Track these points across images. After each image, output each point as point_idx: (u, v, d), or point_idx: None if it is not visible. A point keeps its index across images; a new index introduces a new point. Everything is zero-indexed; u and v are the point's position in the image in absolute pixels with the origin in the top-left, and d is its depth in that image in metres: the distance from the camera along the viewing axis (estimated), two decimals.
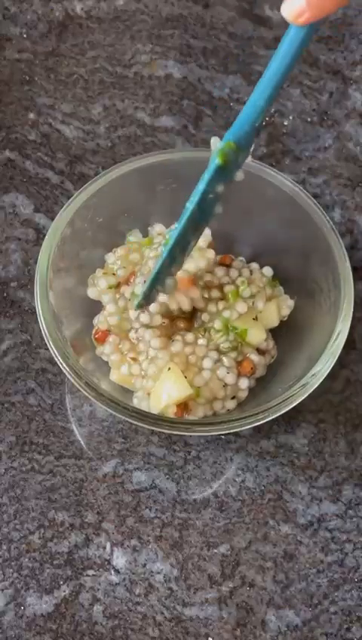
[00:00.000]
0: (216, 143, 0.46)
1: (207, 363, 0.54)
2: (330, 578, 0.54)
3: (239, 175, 0.48)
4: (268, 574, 0.54)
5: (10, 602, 0.53)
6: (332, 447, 0.58)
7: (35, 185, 0.65)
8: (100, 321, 0.57)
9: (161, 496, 0.56)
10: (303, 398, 0.52)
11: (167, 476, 0.56)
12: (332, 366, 0.52)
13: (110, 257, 0.58)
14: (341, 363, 0.59)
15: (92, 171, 0.66)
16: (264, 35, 0.71)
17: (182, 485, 0.56)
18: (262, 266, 0.59)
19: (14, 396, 0.58)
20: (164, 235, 0.58)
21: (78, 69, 0.70)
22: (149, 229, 0.60)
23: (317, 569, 0.54)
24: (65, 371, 0.52)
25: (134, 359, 0.55)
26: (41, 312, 0.53)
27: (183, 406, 0.53)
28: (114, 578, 0.54)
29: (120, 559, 0.54)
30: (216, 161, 0.46)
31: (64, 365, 0.52)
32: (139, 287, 0.54)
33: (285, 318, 0.58)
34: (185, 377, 0.53)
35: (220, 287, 0.57)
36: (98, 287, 0.57)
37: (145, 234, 0.60)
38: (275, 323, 0.57)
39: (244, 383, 0.55)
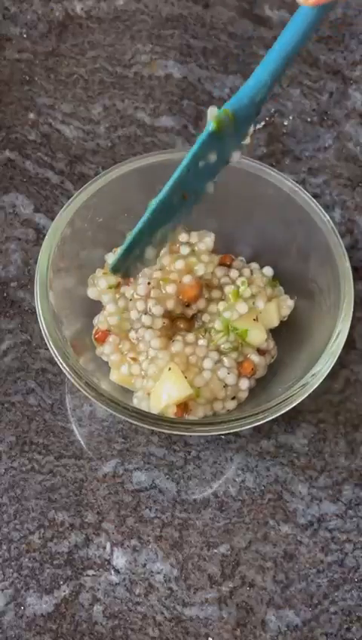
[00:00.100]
0: (213, 111, 0.46)
1: (208, 363, 0.54)
2: (330, 578, 0.54)
3: (236, 156, 0.48)
4: (268, 574, 0.54)
5: (10, 602, 0.53)
6: (332, 447, 0.58)
7: (35, 185, 0.65)
8: (100, 321, 0.57)
9: (161, 496, 0.56)
10: (303, 398, 0.52)
11: (167, 476, 0.56)
12: (332, 366, 0.52)
13: (110, 257, 0.58)
14: (341, 363, 0.59)
15: (92, 171, 0.66)
16: (264, 35, 0.71)
17: (182, 485, 0.56)
18: (262, 266, 0.59)
19: (14, 396, 0.58)
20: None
21: (78, 69, 0.70)
22: None
23: (317, 569, 0.54)
24: (65, 371, 0.52)
25: (134, 359, 0.55)
26: (41, 312, 0.53)
27: (183, 406, 0.53)
28: (114, 578, 0.54)
29: (120, 559, 0.54)
30: (210, 125, 0.45)
31: (64, 365, 0.52)
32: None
33: (285, 318, 0.58)
34: (186, 378, 0.53)
35: (220, 287, 0.57)
36: (98, 287, 0.57)
37: None
38: (275, 323, 0.57)
39: (245, 384, 0.55)
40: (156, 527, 0.55)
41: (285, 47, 0.44)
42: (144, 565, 0.54)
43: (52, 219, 0.59)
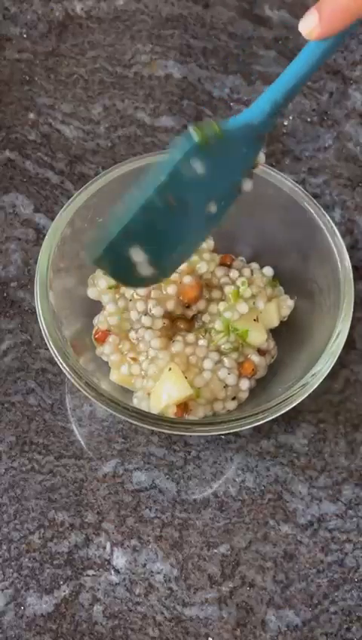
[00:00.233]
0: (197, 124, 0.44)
1: (208, 364, 0.54)
2: (330, 578, 0.54)
3: (247, 185, 0.47)
4: (268, 574, 0.54)
5: (10, 602, 0.53)
6: (332, 447, 0.58)
7: (35, 185, 0.65)
8: (100, 321, 0.57)
9: (161, 496, 0.56)
10: (303, 398, 0.52)
11: (167, 476, 0.56)
12: (332, 366, 0.52)
13: None
14: (341, 363, 0.59)
15: (92, 171, 0.66)
16: (264, 35, 0.71)
17: (182, 485, 0.56)
18: (262, 266, 0.59)
19: (14, 396, 0.58)
20: None
21: (78, 69, 0.70)
22: None
23: (317, 569, 0.54)
24: (65, 371, 0.52)
25: (134, 359, 0.55)
26: (41, 312, 0.53)
27: (183, 406, 0.53)
28: (114, 578, 0.54)
29: (120, 559, 0.54)
30: (190, 131, 0.43)
31: (64, 365, 0.52)
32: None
33: (285, 319, 0.58)
34: (186, 378, 0.53)
35: (220, 287, 0.57)
36: (98, 287, 0.57)
37: None
38: (275, 323, 0.57)
39: (245, 384, 0.55)
40: (156, 527, 0.55)
41: (290, 78, 0.43)
42: (144, 565, 0.54)
43: (52, 219, 0.59)
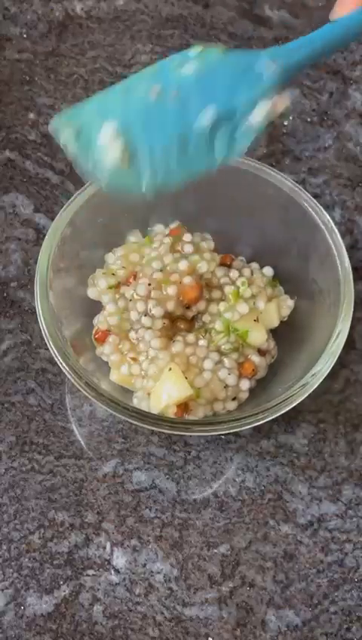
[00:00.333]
0: None
1: (208, 364, 0.54)
2: (330, 578, 0.54)
3: (259, 114, 0.41)
4: (268, 574, 0.54)
5: (10, 602, 0.53)
6: (332, 447, 0.58)
7: (35, 185, 0.65)
8: (100, 321, 0.57)
9: (161, 496, 0.56)
10: (303, 398, 0.52)
11: (167, 476, 0.56)
12: (332, 366, 0.52)
13: (110, 257, 0.58)
14: (341, 363, 0.59)
15: None
16: (264, 35, 0.71)
17: (182, 485, 0.56)
18: (262, 266, 0.59)
19: (14, 396, 0.58)
20: (163, 233, 0.58)
21: (78, 69, 0.70)
22: (149, 229, 0.60)
23: (317, 569, 0.54)
24: (65, 371, 0.52)
25: (134, 359, 0.55)
26: (41, 312, 0.53)
27: (183, 406, 0.53)
28: (114, 578, 0.54)
29: (120, 559, 0.54)
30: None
31: (64, 365, 0.52)
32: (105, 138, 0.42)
33: (285, 319, 0.58)
34: (186, 378, 0.53)
35: (220, 287, 0.57)
36: (98, 287, 0.57)
37: (145, 234, 0.60)
38: (275, 323, 0.57)
39: (245, 385, 0.55)
40: (156, 527, 0.55)
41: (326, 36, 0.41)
42: (144, 565, 0.54)
43: (52, 219, 0.59)
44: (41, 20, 0.71)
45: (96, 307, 0.57)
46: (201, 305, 0.55)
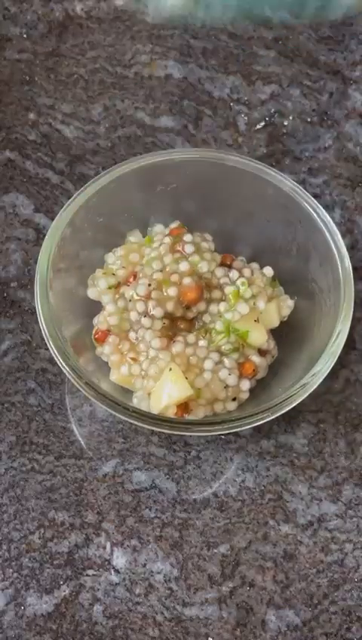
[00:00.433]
0: None
1: (208, 364, 0.54)
2: (330, 578, 0.54)
3: None
4: (268, 574, 0.54)
5: (10, 602, 0.53)
6: (332, 447, 0.58)
7: (35, 185, 0.65)
8: (100, 322, 0.57)
9: (161, 496, 0.56)
10: (303, 398, 0.52)
11: (167, 476, 0.56)
12: (332, 366, 0.52)
13: (110, 257, 0.58)
14: (341, 363, 0.59)
15: (92, 171, 0.66)
16: (264, 35, 0.71)
17: (182, 485, 0.56)
18: (262, 266, 0.59)
19: (14, 396, 0.58)
20: (163, 233, 0.58)
21: (78, 69, 0.70)
22: (149, 229, 0.60)
23: (317, 569, 0.54)
24: (65, 371, 0.52)
25: (134, 359, 0.55)
26: (41, 312, 0.53)
27: (183, 406, 0.53)
28: (114, 578, 0.54)
29: (120, 559, 0.54)
30: None
31: (64, 365, 0.52)
32: None
33: (285, 319, 0.58)
34: (186, 378, 0.53)
35: (221, 287, 0.57)
36: (98, 287, 0.57)
37: (145, 234, 0.60)
38: (276, 323, 0.57)
39: (246, 385, 0.55)
40: (156, 527, 0.55)
41: None
42: (144, 565, 0.54)
43: (52, 219, 0.59)
44: (41, 20, 0.71)
45: (96, 307, 0.57)
46: (201, 305, 0.55)
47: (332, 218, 0.57)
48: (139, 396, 0.55)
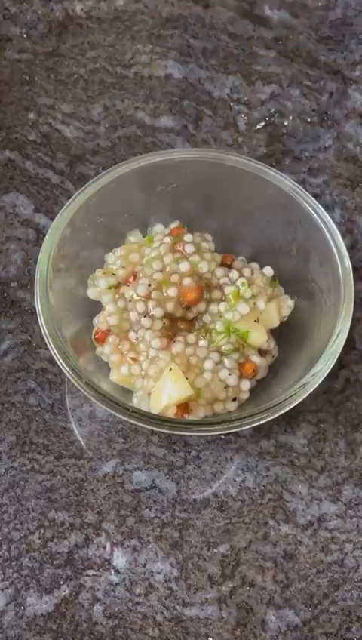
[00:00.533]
0: None
1: (209, 364, 0.54)
2: (330, 578, 0.54)
3: None
4: (268, 574, 0.54)
5: (10, 602, 0.53)
6: (332, 447, 0.58)
7: (35, 185, 0.65)
8: (100, 322, 0.57)
9: (161, 496, 0.56)
10: (303, 398, 0.52)
11: (167, 476, 0.56)
12: (332, 366, 0.52)
13: (110, 257, 0.58)
14: (341, 363, 0.59)
15: (92, 171, 0.66)
16: (264, 35, 0.71)
17: (182, 485, 0.56)
18: (262, 266, 0.59)
19: (14, 396, 0.58)
20: (163, 233, 0.58)
21: (78, 69, 0.70)
22: (149, 229, 0.60)
23: (317, 569, 0.54)
24: (65, 371, 0.52)
25: (134, 359, 0.55)
26: (41, 312, 0.53)
27: (183, 406, 0.53)
28: (114, 578, 0.54)
29: (120, 559, 0.54)
30: None
31: (64, 365, 0.52)
32: None
33: (285, 319, 0.58)
34: (186, 378, 0.53)
35: (221, 287, 0.57)
36: (98, 287, 0.57)
37: (145, 234, 0.60)
38: (276, 323, 0.57)
39: (246, 385, 0.55)
40: (156, 527, 0.55)
41: None
42: (144, 565, 0.54)
43: (52, 219, 0.59)
44: (41, 20, 0.71)
45: (96, 307, 0.57)
46: (201, 306, 0.55)
47: (332, 218, 0.57)
48: (139, 396, 0.55)
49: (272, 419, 0.51)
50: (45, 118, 0.68)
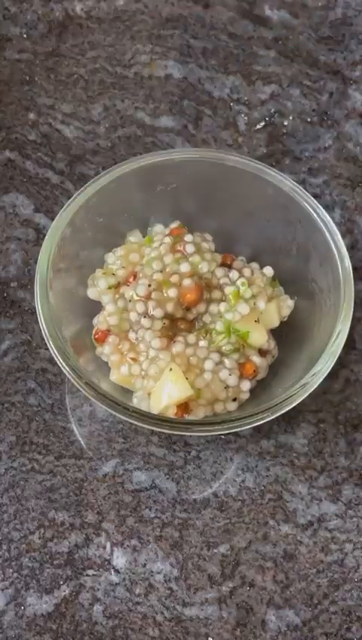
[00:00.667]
0: None
1: (209, 365, 0.54)
2: (330, 578, 0.54)
3: None
4: (268, 574, 0.54)
5: (10, 602, 0.53)
6: (332, 447, 0.58)
7: (35, 185, 0.65)
8: (100, 322, 0.57)
9: (161, 496, 0.56)
10: (303, 398, 0.52)
11: (167, 476, 0.56)
12: (332, 366, 0.52)
13: (110, 257, 0.58)
14: (341, 363, 0.59)
15: (92, 171, 0.66)
16: (264, 35, 0.71)
17: (182, 485, 0.56)
18: (262, 266, 0.59)
19: (14, 396, 0.58)
20: (163, 233, 0.58)
21: (78, 69, 0.70)
22: (149, 229, 0.60)
23: (317, 569, 0.54)
24: (65, 371, 0.52)
25: (134, 359, 0.55)
26: (41, 312, 0.53)
27: (184, 407, 0.53)
28: (114, 578, 0.54)
29: (120, 559, 0.54)
30: None
31: (64, 365, 0.52)
32: None
33: (285, 319, 0.58)
34: (187, 378, 0.53)
35: (221, 287, 0.57)
36: (98, 287, 0.57)
37: (145, 234, 0.60)
38: (276, 323, 0.57)
39: (246, 385, 0.55)
40: (156, 527, 0.55)
41: None
42: (144, 565, 0.54)
43: (52, 219, 0.59)
44: (41, 20, 0.71)
45: (96, 307, 0.57)
46: (202, 306, 0.55)
47: (332, 218, 0.57)
48: (139, 396, 0.55)
49: (272, 419, 0.51)
50: (45, 118, 0.68)
